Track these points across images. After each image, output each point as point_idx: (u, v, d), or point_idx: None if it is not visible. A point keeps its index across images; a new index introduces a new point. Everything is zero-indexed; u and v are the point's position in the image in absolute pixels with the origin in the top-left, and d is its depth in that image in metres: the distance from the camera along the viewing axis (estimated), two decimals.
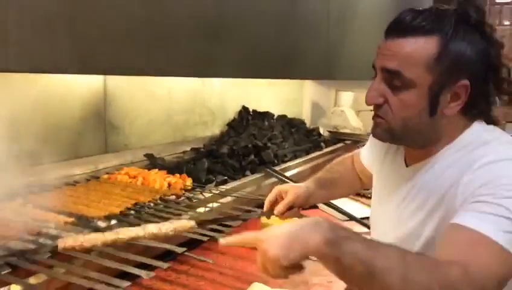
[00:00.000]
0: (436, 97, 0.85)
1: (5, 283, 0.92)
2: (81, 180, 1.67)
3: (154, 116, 2.16)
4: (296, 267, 0.70)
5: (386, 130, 0.91)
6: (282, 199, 1.20)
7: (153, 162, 1.97)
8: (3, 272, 0.94)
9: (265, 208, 1.24)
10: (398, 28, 0.85)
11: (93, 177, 1.72)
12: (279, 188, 1.24)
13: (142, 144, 2.08)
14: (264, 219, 1.60)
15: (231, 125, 2.70)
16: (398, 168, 1.01)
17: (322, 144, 2.73)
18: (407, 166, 0.99)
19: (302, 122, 3.12)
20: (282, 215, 1.17)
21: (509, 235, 0.72)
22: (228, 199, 1.60)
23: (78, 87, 1.78)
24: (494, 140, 0.85)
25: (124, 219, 1.30)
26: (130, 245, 1.12)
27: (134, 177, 1.69)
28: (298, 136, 2.75)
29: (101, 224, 1.25)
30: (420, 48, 0.83)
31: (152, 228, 0.91)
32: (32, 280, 0.96)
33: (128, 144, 2.02)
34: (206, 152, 2.19)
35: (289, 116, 3.08)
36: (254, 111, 2.89)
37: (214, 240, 1.34)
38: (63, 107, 1.72)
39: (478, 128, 0.89)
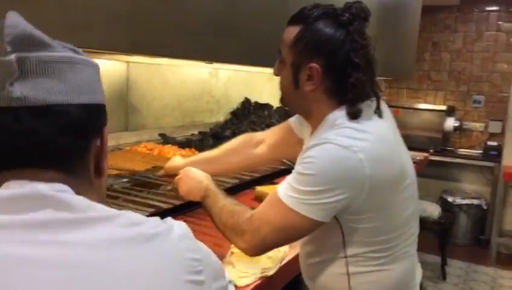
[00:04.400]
0: (297, 74, 1.05)
1: None
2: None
3: (167, 102, 2.49)
4: None
5: (281, 97, 1.16)
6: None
7: (166, 140, 2.30)
8: None
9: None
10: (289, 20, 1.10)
11: (117, 148, 2.05)
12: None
13: (157, 125, 2.41)
14: (258, 188, 1.92)
15: (234, 113, 3.02)
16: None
17: None
18: None
19: None
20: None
21: (291, 197, 0.98)
22: None
23: (106, 71, 2.10)
24: (339, 124, 1.00)
25: (145, 176, 1.63)
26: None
27: (151, 149, 2.02)
28: None
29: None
30: (289, 33, 1.06)
31: None
32: None
33: (145, 124, 2.35)
34: (211, 134, 2.52)
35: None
36: (255, 103, 3.20)
37: None
38: None
39: (337, 113, 1.03)
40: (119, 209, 1.19)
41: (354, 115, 1.01)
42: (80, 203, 0.56)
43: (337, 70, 1.02)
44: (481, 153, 4.41)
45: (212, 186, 1.21)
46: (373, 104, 1.06)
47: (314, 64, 1.02)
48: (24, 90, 0.54)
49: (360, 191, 0.96)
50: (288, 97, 1.12)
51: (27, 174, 0.56)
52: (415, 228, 1.15)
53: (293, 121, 1.37)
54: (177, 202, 1.41)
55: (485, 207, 4.17)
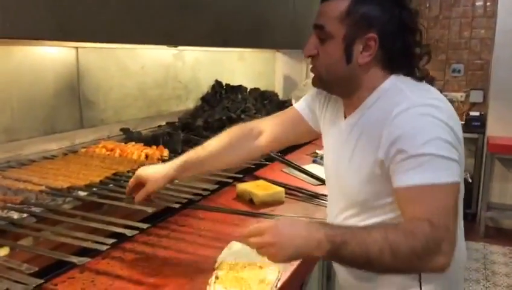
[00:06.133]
0: (350, 47, 1.02)
1: None
2: (58, 155, 1.69)
3: (128, 91, 2.18)
4: None
5: (317, 78, 1.09)
6: (142, 184, 1.21)
7: (129, 136, 2.00)
8: None
9: (126, 194, 1.25)
10: None
11: (71, 151, 1.74)
12: (138, 174, 1.22)
13: (117, 119, 2.10)
14: (239, 185, 1.67)
15: (205, 99, 2.73)
16: (339, 123, 1.14)
17: None
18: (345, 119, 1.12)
19: (275, 95, 3.17)
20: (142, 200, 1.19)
21: (436, 172, 0.89)
22: None
23: (50, 60, 1.77)
24: (406, 88, 1.00)
25: (104, 187, 1.34)
26: (114, 209, 1.19)
27: (112, 150, 1.73)
28: (271, 108, 2.80)
29: (82, 193, 1.29)
30: (336, 6, 1.02)
31: None
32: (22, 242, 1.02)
33: (104, 119, 2.04)
34: (181, 126, 2.23)
35: (262, 89, 3.13)
36: (227, 85, 2.92)
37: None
38: (37, 81, 1.72)
39: (394, 79, 1.04)
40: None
41: (421, 78, 1.04)
42: None
43: (393, 38, 1.01)
44: (463, 124, 4.26)
45: (330, 229, 0.89)
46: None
47: (372, 34, 1.00)
48: None
49: (457, 141, 0.95)
50: (334, 75, 1.06)
51: None
52: None
53: (303, 108, 1.30)
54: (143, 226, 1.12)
55: (470, 180, 4.05)
